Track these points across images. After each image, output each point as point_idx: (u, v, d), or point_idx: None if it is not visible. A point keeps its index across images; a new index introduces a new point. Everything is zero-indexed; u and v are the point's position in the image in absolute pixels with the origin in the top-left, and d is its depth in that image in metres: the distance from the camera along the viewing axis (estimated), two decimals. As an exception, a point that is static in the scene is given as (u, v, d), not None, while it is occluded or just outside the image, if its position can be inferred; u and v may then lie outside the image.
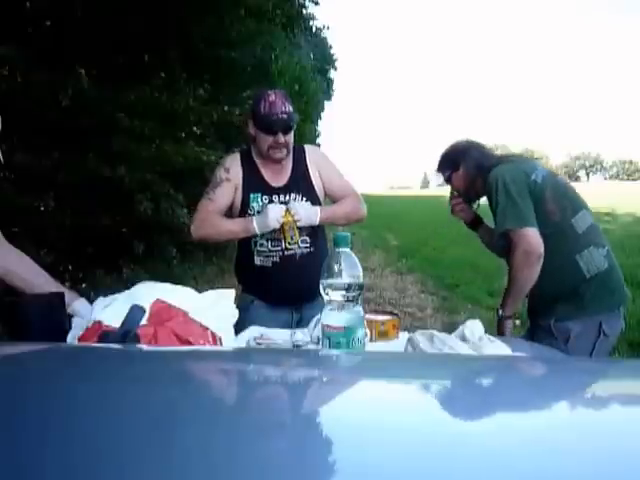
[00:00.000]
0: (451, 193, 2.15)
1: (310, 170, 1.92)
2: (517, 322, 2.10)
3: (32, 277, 1.35)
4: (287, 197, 1.85)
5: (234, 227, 1.82)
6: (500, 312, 1.93)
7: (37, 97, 4.13)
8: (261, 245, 1.85)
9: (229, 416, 0.48)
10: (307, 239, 1.85)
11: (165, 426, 0.44)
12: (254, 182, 1.86)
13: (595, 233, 1.90)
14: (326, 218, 1.84)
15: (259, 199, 1.84)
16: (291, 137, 1.83)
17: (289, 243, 1.82)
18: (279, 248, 1.84)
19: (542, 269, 1.80)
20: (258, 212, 1.82)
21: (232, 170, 1.87)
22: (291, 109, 1.80)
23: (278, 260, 1.84)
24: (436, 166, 2.14)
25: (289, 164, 1.90)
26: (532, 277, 1.82)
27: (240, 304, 1.84)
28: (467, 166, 2.02)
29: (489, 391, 0.59)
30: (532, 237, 1.78)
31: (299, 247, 1.85)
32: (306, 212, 1.79)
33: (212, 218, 1.82)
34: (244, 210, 1.84)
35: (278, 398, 0.55)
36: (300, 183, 1.89)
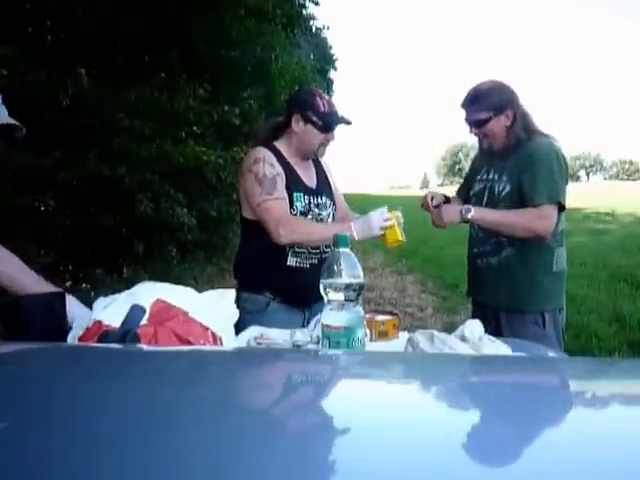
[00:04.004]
0: (432, 198, 2.02)
1: (327, 174, 1.98)
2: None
3: (22, 277, 1.34)
4: (319, 199, 1.86)
5: (330, 234, 1.71)
6: (469, 210, 1.81)
7: (37, 97, 4.13)
8: (299, 246, 1.80)
9: (229, 416, 0.48)
10: None
11: (166, 426, 0.44)
12: (295, 181, 1.84)
13: (564, 232, 1.96)
14: None
15: (302, 199, 1.82)
16: None
17: (396, 241, 1.75)
18: (318, 250, 1.82)
19: (528, 252, 1.86)
20: (301, 213, 1.80)
21: (275, 165, 1.81)
22: None
23: (316, 262, 1.81)
24: (467, 101, 1.90)
25: (312, 166, 1.93)
26: (519, 237, 1.83)
27: (250, 307, 1.76)
28: (516, 115, 1.85)
29: (489, 391, 0.59)
30: (553, 221, 1.79)
31: (331, 248, 1.83)
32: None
33: (301, 223, 1.79)
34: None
35: (278, 398, 0.55)
36: (326, 186, 1.93)
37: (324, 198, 1.88)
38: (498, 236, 1.90)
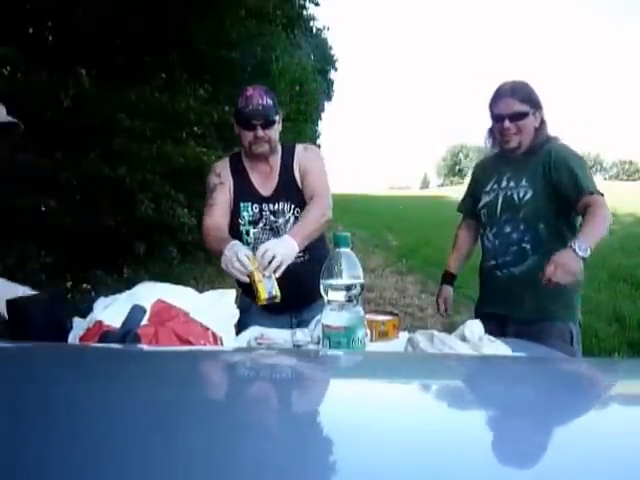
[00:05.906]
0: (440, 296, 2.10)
1: (295, 173, 1.85)
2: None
3: None
4: (276, 206, 1.82)
5: (217, 248, 1.66)
6: (582, 248, 1.56)
7: (38, 97, 4.14)
8: (254, 249, 1.77)
9: (230, 416, 0.48)
10: None
11: (166, 426, 0.44)
12: (244, 190, 1.83)
13: None
14: (302, 242, 1.61)
15: (249, 208, 1.82)
16: (272, 132, 1.78)
17: (260, 299, 1.51)
18: None
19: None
20: (250, 222, 1.81)
21: (222, 174, 1.84)
22: (270, 103, 1.75)
23: None
24: (505, 92, 1.80)
25: (276, 168, 1.85)
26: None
27: (240, 306, 1.83)
28: (542, 116, 1.82)
29: (489, 391, 0.59)
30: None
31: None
32: (284, 251, 1.53)
33: (210, 234, 1.77)
34: (235, 219, 1.82)
35: (279, 398, 0.55)
36: (288, 189, 1.83)
37: (282, 204, 1.82)
38: (520, 245, 1.82)
